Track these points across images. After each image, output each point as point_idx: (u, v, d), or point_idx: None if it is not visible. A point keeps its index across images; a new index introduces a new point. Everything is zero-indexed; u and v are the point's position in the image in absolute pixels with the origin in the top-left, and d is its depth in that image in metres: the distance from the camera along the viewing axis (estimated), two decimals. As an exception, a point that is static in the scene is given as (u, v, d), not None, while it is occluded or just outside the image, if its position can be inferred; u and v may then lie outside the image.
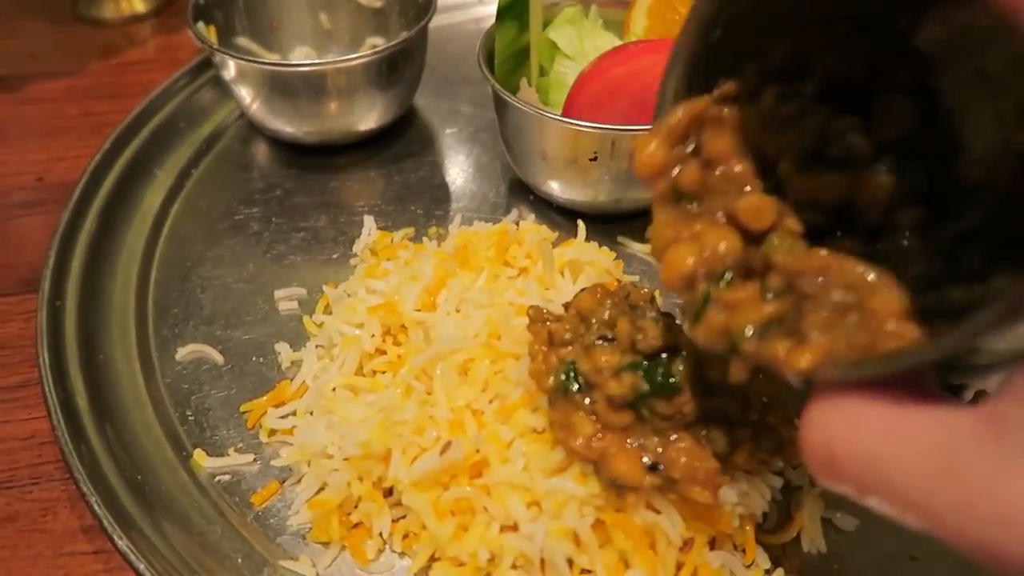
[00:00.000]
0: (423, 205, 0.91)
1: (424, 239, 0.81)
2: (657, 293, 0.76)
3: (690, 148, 0.48)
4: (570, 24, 0.88)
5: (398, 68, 0.94)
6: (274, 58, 1.06)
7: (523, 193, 0.92)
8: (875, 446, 0.33)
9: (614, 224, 0.88)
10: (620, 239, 0.86)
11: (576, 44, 0.85)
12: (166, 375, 0.73)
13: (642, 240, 0.86)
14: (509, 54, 0.82)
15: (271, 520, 0.63)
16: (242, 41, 1.05)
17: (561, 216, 0.88)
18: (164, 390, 0.72)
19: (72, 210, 0.84)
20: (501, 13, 0.80)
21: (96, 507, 0.59)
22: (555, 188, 0.85)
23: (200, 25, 0.95)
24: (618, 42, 0.89)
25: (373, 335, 0.69)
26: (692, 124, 0.47)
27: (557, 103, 0.84)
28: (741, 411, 0.59)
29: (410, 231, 0.87)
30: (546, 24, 0.89)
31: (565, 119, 0.76)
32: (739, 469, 0.59)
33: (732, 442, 0.58)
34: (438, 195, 0.93)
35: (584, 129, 0.76)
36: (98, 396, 0.70)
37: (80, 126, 1.06)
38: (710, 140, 0.46)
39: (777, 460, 0.61)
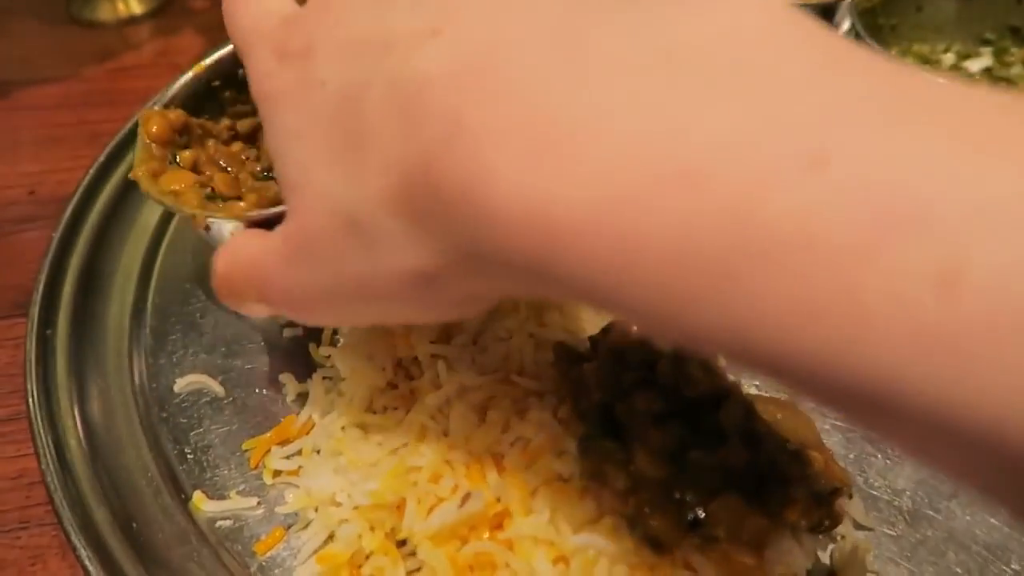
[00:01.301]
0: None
1: (438, 263, 0.77)
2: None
3: None
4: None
5: None
6: None
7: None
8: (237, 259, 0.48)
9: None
10: (643, 260, 0.82)
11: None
12: (164, 409, 0.69)
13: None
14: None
15: (276, 571, 0.59)
16: None
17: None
18: (161, 425, 0.68)
19: (64, 228, 0.79)
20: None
21: (87, 561, 0.54)
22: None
23: None
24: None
25: (384, 368, 0.65)
26: None
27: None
28: (800, 466, 0.55)
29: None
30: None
31: None
32: (789, 527, 0.55)
33: (784, 499, 0.54)
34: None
35: None
36: (91, 434, 0.65)
37: (74, 136, 1.01)
38: None
39: (830, 521, 0.57)
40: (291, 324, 0.75)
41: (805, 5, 0.93)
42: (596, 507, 0.54)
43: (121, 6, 1.23)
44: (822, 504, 0.57)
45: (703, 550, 0.52)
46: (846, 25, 0.87)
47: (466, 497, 0.54)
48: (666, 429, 0.52)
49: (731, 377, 0.57)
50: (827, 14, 0.95)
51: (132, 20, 1.24)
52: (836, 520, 0.58)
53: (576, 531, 0.53)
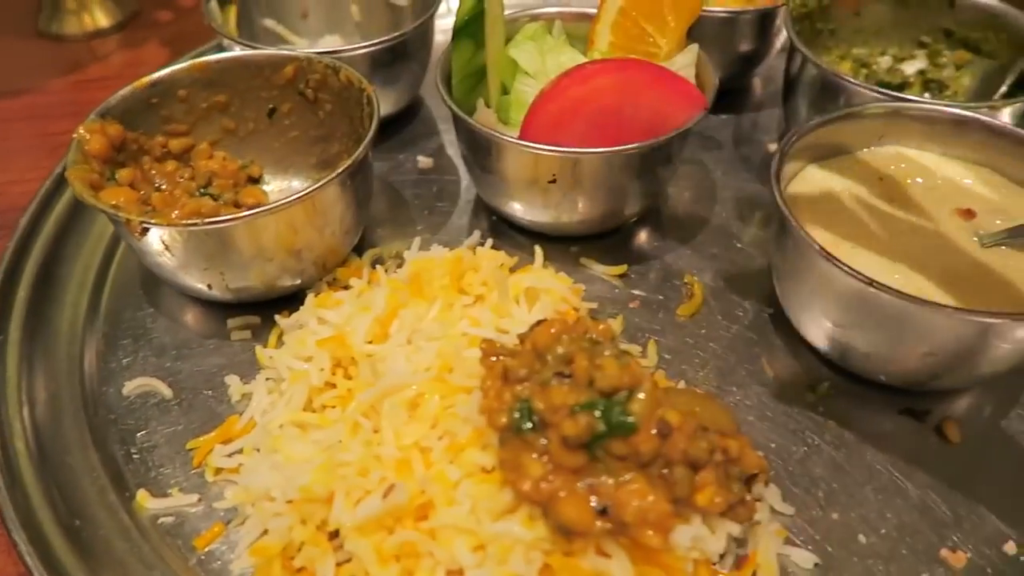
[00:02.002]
0: (394, 223, 0.90)
1: (378, 267, 0.79)
2: (617, 327, 0.75)
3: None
4: (532, 40, 0.86)
5: (396, 63, 0.95)
6: (302, 43, 1.11)
7: (487, 213, 0.90)
8: None
9: (578, 244, 0.86)
10: (583, 261, 0.84)
11: (537, 61, 0.83)
12: (112, 411, 0.71)
13: (605, 261, 0.84)
14: (467, 73, 0.80)
15: (214, 564, 0.61)
16: (268, 23, 1.08)
17: (524, 237, 0.87)
18: (110, 427, 0.70)
19: (19, 238, 0.82)
20: (457, 32, 0.78)
21: (27, 557, 0.57)
22: (517, 209, 0.83)
23: (213, 5, 0.97)
24: (581, 58, 0.87)
25: (322, 369, 0.67)
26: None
27: (518, 122, 0.82)
28: (708, 451, 0.57)
29: (376, 252, 0.85)
30: (508, 39, 0.88)
31: (522, 142, 0.75)
32: (701, 511, 0.58)
33: (693, 484, 0.56)
34: (403, 213, 0.92)
35: (542, 152, 0.74)
36: (39, 436, 0.68)
37: (36, 147, 1.04)
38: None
39: (743, 507, 0.59)
40: (241, 327, 0.77)
41: (743, 12, 0.96)
42: (514, 497, 0.56)
43: (88, 19, 1.26)
44: (735, 490, 0.60)
45: (613, 535, 0.55)
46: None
47: (390, 489, 0.57)
48: (579, 421, 0.55)
49: (645, 370, 0.60)
50: (765, 21, 0.98)
51: (99, 33, 1.26)
52: (749, 506, 0.60)
53: (494, 520, 0.56)
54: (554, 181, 0.76)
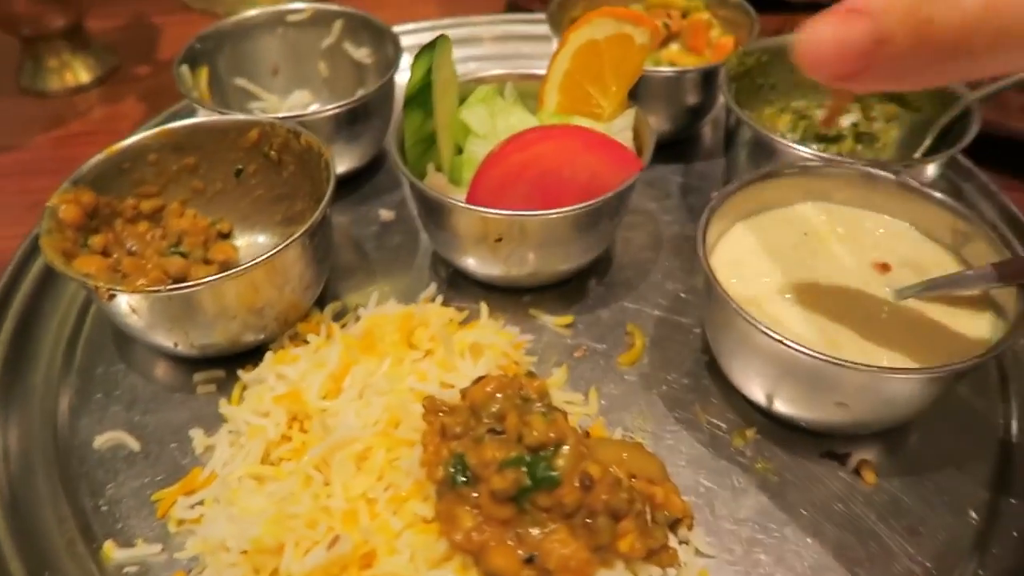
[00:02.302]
0: (356, 275, 0.95)
1: (334, 323, 0.84)
2: (551, 384, 0.80)
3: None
4: (483, 103, 0.91)
5: (358, 122, 1.00)
6: (272, 99, 1.16)
7: (445, 265, 0.95)
8: None
9: (530, 294, 0.91)
10: (532, 311, 0.89)
11: (488, 123, 0.89)
12: (83, 464, 0.76)
13: (554, 311, 0.89)
14: (418, 139, 0.85)
15: (175, 611, 0.66)
16: (240, 82, 1.14)
17: (479, 288, 0.91)
18: (80, 480, 0.74)
19: (-2, 296, 0.87)
20: (407, 102, 0.83)
21: (-2, 609, 0.61)
22: (470, 264, 0.88)
23: (184, 69, 1.02)
24: (530, 118, 0.92)
25: (278, 424, 0.72)
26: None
27: (469, 182, 0.87)
28: (628, 501, 0.62)
29: (337, 305, 0.90)
30: (463, 100, 0.93)
31: (467, 205, 0.80)
32: (623, 558, 0.62)
33: (615, 532, 0.61)
34: (365, 265, 0.97)
35: (485, 215, 0.79)
36: (13, 491, 0.72)
37: (17, 203, 1.08)
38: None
39: (665, 553, 0.64)
40: (207, 381, 0.82)
41: (687, 70, 1.02)
42: (449, 547, 0.61)
43: (69, 76, 1.31)
44: (657, 536, 0.64)
45: (539, 582, 0.60)
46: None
47: (335, 540, 0.61)
48: (506, 475, 0.60)
49: (578, 415, 0.65)
50: (709, 77, 1.04)
51: (80, 89, 1.32)
52: (672, 552, 0.65)
53: (431, 568, 0.61)
54: (500, 240, 0.81)
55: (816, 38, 0.45)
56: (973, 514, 0.71)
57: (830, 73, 0.46)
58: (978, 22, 0.41)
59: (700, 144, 1.16)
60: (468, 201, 0.81)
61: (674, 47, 1.17)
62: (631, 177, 0.81)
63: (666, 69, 1.04)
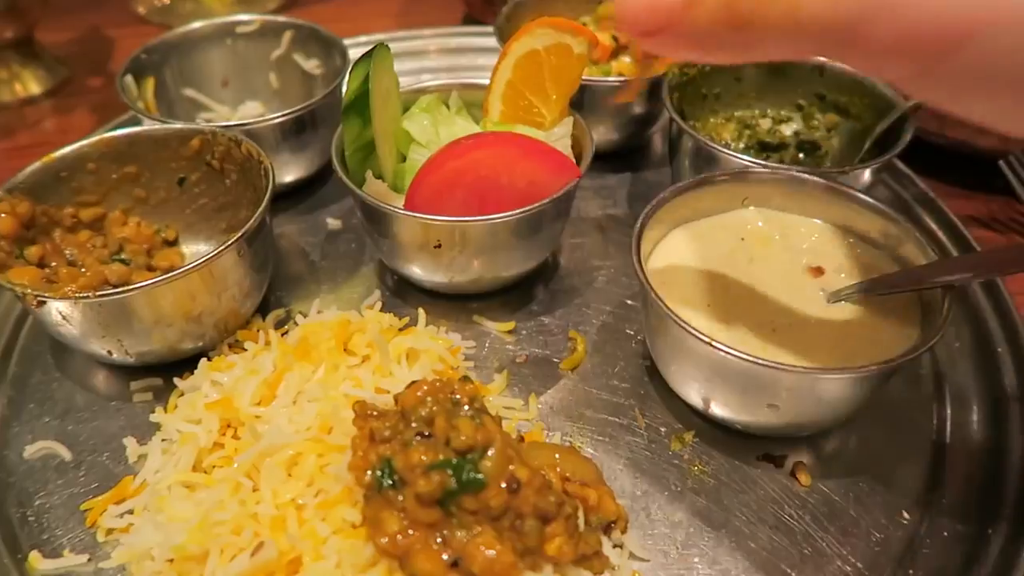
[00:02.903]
0: (301, 283, 0.95)
1: (272, 331, 0.83)
2: (485, 389, 0.80)
3: None
4: (426, 112, 0.91)
5: (305, 131, 1.01)
6: (222, 110, 1.16)
7: (390, 273, 0.95)
8: None
9: (476, 301, 0.91)
10: (476, 318, 0.89)
11: (431, 132, 0.89)
12: (12, 474, 0.74)
13: (498, 318, 0.89)
14: (357, 147, 0.85)
15: (100, 622, 0.64)
16: (189, 93, 1.14)
17: (425, 296, 0.91)
18: (8, 490, 0.73)
19: (-69, 308, 0.85)
20: (345, 110, 0.83)
21: (-88, 621, 0.59)
22: (413, 271, 0.88)
23: (129, 80, 1.02)
24: (474, 127, 0.93)
25: (210, 431, 0.71)
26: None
27: (410, 190, 0.87)
28: (557, 504, 0.61)
29: (280, 313, 0.89)
30: (406, 109, 0.93)
31: (403, 211, 0.80)
32: (551, 561, 0.62)
33: (543, 535, 0.60)
34: (311, 273, 0.96)
35: (422, 220, 0.79)
36: (-64, 502, 0.71)
37: (-41, 214, 1.07)
38: None
39: (596, 558, 0.64)
40: (143, 390, 0.81)
41: (630, 81, 1.03)
42: (374, 551, 0.60)
43: (19, 87, 1.30)
44: (589, 541, 0.64)
45: (465, 586, 0.59)
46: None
47: (258, 547, 0.60)
48: (431, 478, 0.59)
49: (517, 420, 0.64)
50: (655, 87, 1.05)
51: (30, 100, 1.31)
52: (603, 557, 0.65)
53: (357, 573, 0.60)
54: (439, 246, 0.81)
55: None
56: (906, 514, 0.71)
57: (639, 27, 0.49)
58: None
59: (648, 153, 1.17)
60: (406, 207, 0.81)
61: (624, 59, 1.18)
62: (569, 183, 0.82)
63: (612, 79, 1.05)
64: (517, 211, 0.78)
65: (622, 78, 1.07)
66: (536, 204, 0.79)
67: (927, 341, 0.67)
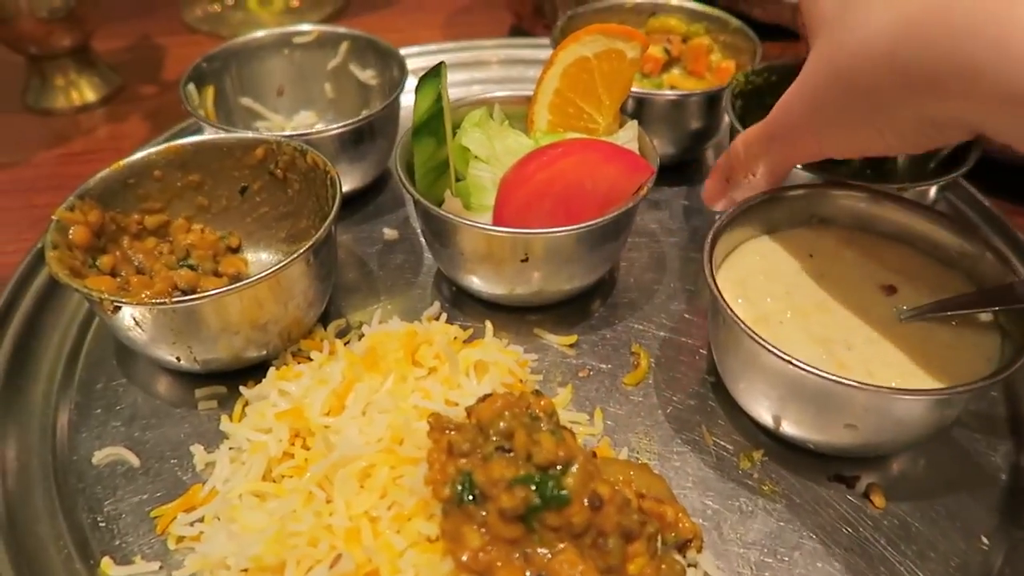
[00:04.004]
0: (359, 293, 0.95)
1: (338, 340, 0.83)
2: (556, 404, 0.79)
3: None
4: (478, 127, 0.91)
5: (363, 142, 1.01)
6: (277, 119, 1.17)
7: (448, 283, 0.95)
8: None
9: (535, 313, 0.91)
10: (536, 331, 0.89)
11: (488, 147, 0.89)
12: (82, 480, 0.75)
13: (559, 331, 0.88)
14: (429, 168, 0.85)
15: (172, 631, 0.64)
16: (245, 102, 1.14)
17: (483, 307, 0.91)
18: (78, 496, 0.73)
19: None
20: (417, 130, 0.83)
21: (-8, 626, 0.60)
22: (476, 283, 0.88)
23: (191, 88, 1.03)
24: (524, 139, 0.92)
25: (280, 440, 0.71)
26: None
27: (478, 205, 0.87)
28: (639, 523, 0.61)
29: (341, 323, 0.89)
30: (455, 127, 0.93)
31: (498, 228, 0.80)
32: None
33: (625, 554, 0.60)
34: (368, 283, 0.96)
35: (518, 235, 0.79)
36: (9, 506, 0.71)
37: (20, 220, 1.08)
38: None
39: (673, 573, 0.63)
40: (208, 397, 0.81)
41: (691, 94, 1.03)
42: (454, 566, 0.60)
43: (75, 95, 1.32)
44: (671, 563, 0.63)
45: (547, 603, 0.58)
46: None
47: (337, 559, 0.60)
48: (515, 494, 0.59)
49: (580, 445, 0.64)
50: (713, 101, 1.04)
51: (85, 108, 1.32)
52: (679, 572, 0.64)
53: (436, 588, 0.59)
54: (526, 260, 0.81)
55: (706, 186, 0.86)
56: (984, 539, 0.70)
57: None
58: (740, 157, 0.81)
59: (703, 168, 1.16)
60: (495, 223, 0.81)
61: (675, 71, 1.18)
62: (649, 180, 0.82)
63: (670, 92, 1.04)
64: (616, 210, 0.80)
65: (678, 92, 1.07)
66: (627, 204, 0.80)
67: (1010, 362, 0.66)
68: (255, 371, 0.81)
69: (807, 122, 0.71)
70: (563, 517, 0.59)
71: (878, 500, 0.72)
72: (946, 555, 0.69)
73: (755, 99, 1.03)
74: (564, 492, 0.59)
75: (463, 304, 0.93)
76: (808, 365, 0.64)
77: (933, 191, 0.88)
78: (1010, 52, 0.53)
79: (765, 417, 0.75)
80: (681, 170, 1.13)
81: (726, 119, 1.09)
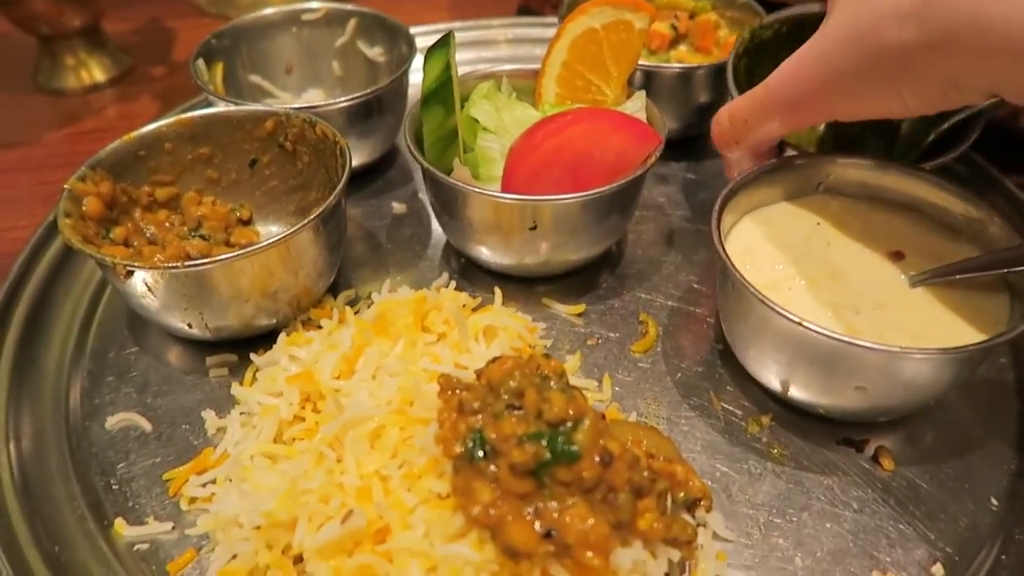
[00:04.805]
0: (368, 265, 0.95)
1: (348, 308, 0.84)
2: (574, 364, 0.79)
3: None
4: (487, 99, 0.91)
5: (371, 116, 1.01)
6: (285, 96, 1.17)
7: (456, 255, 0.95)
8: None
9: (543, 284, 0.91)
10: (545, 300, 0.89)
11: (496, 118, 0.89)
12: (95, 444, 0.75)
13: (566, 301, 0.89)
14: (438, 136, 0.85)
15: (186, 589, 0.65)
16: (254, 79, 1.15)
17: (491, 278, 0.91)
18: (91, 460, 0.74)
19: (11, 282, 0.87)
20: (427, 99, 0.84)
21: (8, 580, 0.60)
22: (485, 254, 0.88)
23: (201, 64, 1.03)
24: (532, 112, 0.92)
25: (291, 403, 0.72)
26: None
27: (486, 175, 0.87)
28: (649, 480, 0.61)
29: (351, 293, 0.90)
30: (463, 100, 0.93)
31: (507, 196, 0.80)
32: (641, 536, 0.61)
33: (635, 510, 0.60)
34: (377, 256, 0.97)
35: (526, 202, 0.79)
36: (24, 470, 0.72)
37: (31, 196, 1.09)
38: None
39: (684, 535, 0.63)
40: (219, 365, 0.82)
41: (697, 67, 1.03)
42: (465, 521, 0.60)
43: (85, 75, 1.32)
44: (677, 516, 0.64)
45: (557, 557, 0.59)
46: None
47: (348, 515, 0.61)
48: (526, 449, 0.59)
49: (590, 403, 0.64)
50: (719, 74, 1.04)
51: (95, 88, 1.33)
52: (690, 534, 0.64)
53: (447, 543, 0.60)
54: (534, 228, 0.81)
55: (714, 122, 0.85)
56: (994, 501, 0.70)
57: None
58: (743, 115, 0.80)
59: (709, 142, 1.15)
60: (504, 190, 0.82)
61: (683, 48, 1.18)
62: (656, 149, 0.82)
63: (676, 65, 1.04)
64: (625, 179, 0.80)
65: (683, 65, 1.07)
66: (636, 172, 0.81)
67: (1020, 322, 0.66)
68: (265, 339, 0.81)
69: (822, 86, 0.70)
70: (574, 472, 0.59)
71: (887, 463, 0.72)
72: (955, 516, 0.69)
73: (766, 54, 1.01)
74: (575, 448, 0.59)
75: (472, 276, 0.93)
76: (819, 327, 0.65)
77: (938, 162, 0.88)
78: (1017, 5, 0.54)
79: (774, 383, 0.75)
80: (686, 145, 1.13)
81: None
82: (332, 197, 0.78)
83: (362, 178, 1.07)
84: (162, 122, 0.88)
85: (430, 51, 0.85)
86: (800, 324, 0.65)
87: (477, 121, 0.89)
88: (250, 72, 1.13)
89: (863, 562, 0.66)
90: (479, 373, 0.68)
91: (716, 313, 0.86)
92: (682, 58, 1.15)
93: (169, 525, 0.68)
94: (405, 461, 0.65)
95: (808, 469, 0.72)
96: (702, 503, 0.67)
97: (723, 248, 0.73)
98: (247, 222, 0.93)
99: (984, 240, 0.77)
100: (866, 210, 0.82)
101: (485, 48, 1.34)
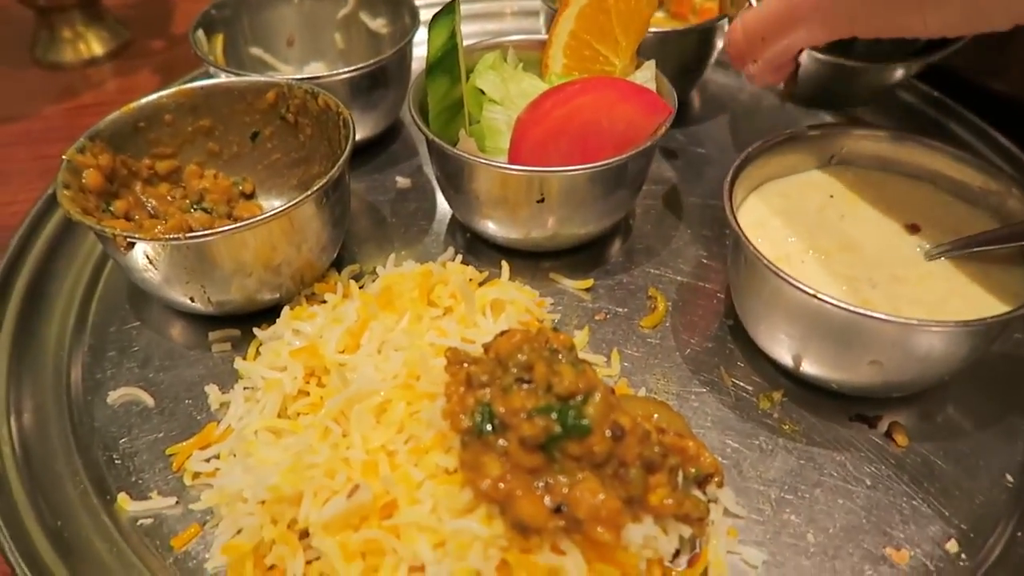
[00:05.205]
0: (373, 240, 0.94)
1: (352, 282, 0.82)
2: (582, 339, 0.78)
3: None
4: (493, 70, 0.90)
5: (375, 88, 0.99)
6: (287, 70, 1.15)
7: (462, 230, 0.94)
8: None
9: (550, 259, 0.90)
10: (552, 275, 0.88)
11: (502, 89, 0.87)
12: (96, 419, 0.74)
13: (574, 276, 0.87)
14: (444, 107, 0.84)
15: (190, 563, 0.64)
16: (255, 52, 1.13)
17: (497, 253, 0.90)
18: (93, 434, 0.73)
19: (10, 256, 0.85)
20: (431, 68, 0.82)
21: (10, 555, 0.59)
22: (492, 227, 0.86)
23: (200, 34, 1.02)
24: (539, 83, 0.90)
25: (295, 378, 0.70)
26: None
27: (492, 148, 0.86)
28: (660, 455, 0.60)
29: (355, 268, 0.88)
30: (468, 71, 0.91)
31: (514, 167, 0.78)
32: (652, 512, 0.60)
33: (647, 485, 0.59)
34: (382, 230, 0.95)
35: (534, 173, 0.78)
36: (26, 445, 0.71)
37: (30, 170, 1.07)
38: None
39: (696, 511, 0.62)
40: (222, 340, 0.80)
41: (683, 30, 1.00)
42: (473, 496, 0.59)
43: (83, 48, 1.30)
44: (688, 492, 0.63)
45: (567, 532, 0.58)
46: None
47: (354, 489, 0.59)
48: (536, 423, 0.58)
49: (600, 376, 0.63)
50: (705, 36, 1.02)
51: (93, 61, 1.31)
52: (703, 511, 0.63)
53: (455, 518, 0.59)
54: (542, 200, 0.80)
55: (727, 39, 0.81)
56: (1009, 478, 0.69)
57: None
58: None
59: (692, 109, 1.14)
60: (510, 162, 0.80)
61: (659, 14, 1.15)
62: (667, 120, 0.80)
63: (660, 29, 1.01)
64: (636, 149, 0.78)
65: (667, 29, 1.03)
66: (646, 142, 0.79)
67: (1039, 296, 0.64)
68: (268, 315, 0.80)
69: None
70: (584, 446, 0.58)
71: (900, 439, 0.71)
72: (970, 493, 0.68)
73: None
74: (585, 421, 0.58)
75: (477, 251, 0.91)
76: (834, 299, 0.63)
77: (900, 70, 0.88)
78: None
79: (786, 357, 0.74)
80: (701, 119, 1.11)
81: (712, 59, 1.07)
82: (336, 168, 0.77)
83: (365, 152, 1.06)
84: (162, 93, 0.86)
85: (435, 19, 0.83)
86: (815, 296, 0.64)
87: (483, 92, 0.87)
88: (251, 45, 1.11)
89: (876, 538, 0.65)
90: (487, 347, 0.67)
91: (726, 288, 0.85)
92: (659, 25, 1.13)
93: (173, 500, 0.67)
94: (412, 436, 0.64)
95: (820, 445, 0.71)
96: (714, 479, 0.66)
97: (735, 220, 0.71)
98: (250, 196, 0.92)
99: (1002, 213, 0.75)
100: (881, 182, 0.81)
101: (489, 20, 1.32)
